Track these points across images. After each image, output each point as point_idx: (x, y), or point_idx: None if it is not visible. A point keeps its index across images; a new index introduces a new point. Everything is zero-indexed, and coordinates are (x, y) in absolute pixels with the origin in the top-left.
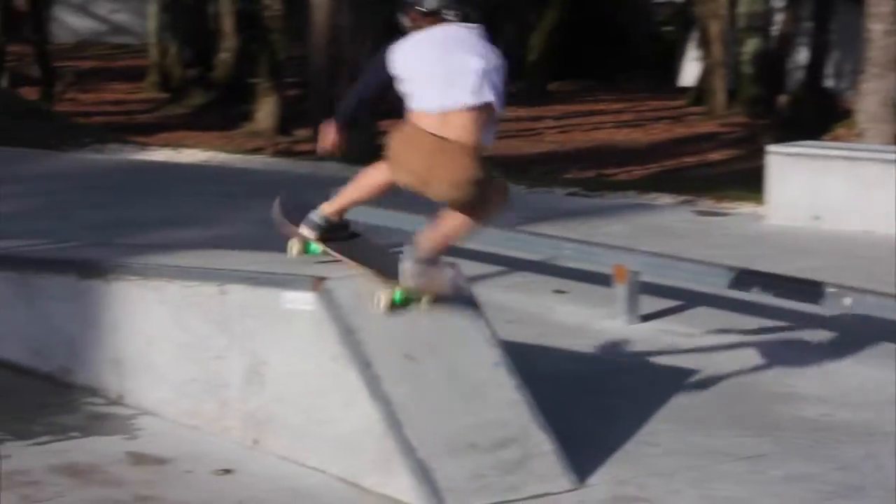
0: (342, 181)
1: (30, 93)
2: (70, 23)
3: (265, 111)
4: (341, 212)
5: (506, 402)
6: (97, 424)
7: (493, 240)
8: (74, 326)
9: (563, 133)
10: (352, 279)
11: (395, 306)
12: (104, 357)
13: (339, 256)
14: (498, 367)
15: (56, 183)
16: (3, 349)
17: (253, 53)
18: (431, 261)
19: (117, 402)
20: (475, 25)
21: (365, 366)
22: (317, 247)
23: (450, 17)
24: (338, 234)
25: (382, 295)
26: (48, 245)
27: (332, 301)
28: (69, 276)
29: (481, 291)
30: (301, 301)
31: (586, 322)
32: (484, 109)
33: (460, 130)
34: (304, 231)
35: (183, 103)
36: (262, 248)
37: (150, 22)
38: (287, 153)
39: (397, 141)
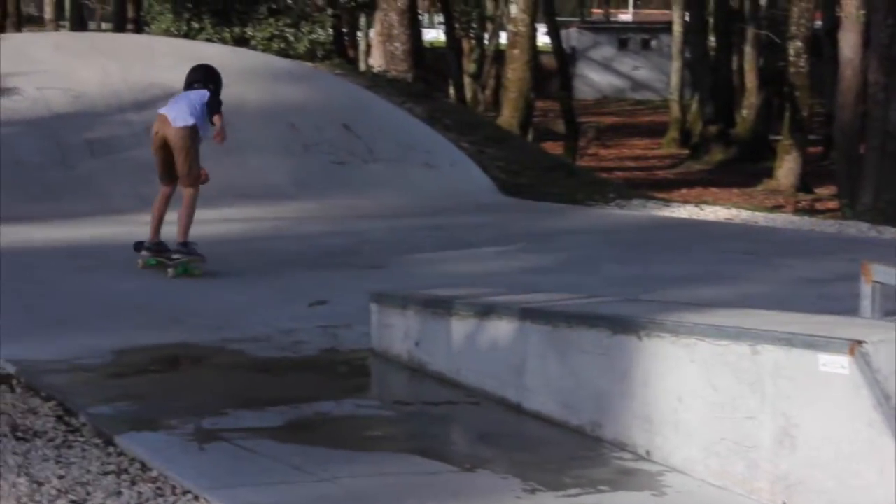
0: (867, 242)
1: (552, 147)
2: (593, 80)
3: (786, 168)
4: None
5: None
6: (625, 479)
7: None
8: (604, 381)
9: None
10: (890, 343)
11: (178, 275)
12: (633, 413)
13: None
14: None
15: (581, 237)
16: (535, 401)
17: (775, 110)
18: (184, 244)
19: (645, 458)
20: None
21: None
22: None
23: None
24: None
25: (170, 270)
26: (578, 299)
27: (869, 365)
28: (601, 330)
29: None
30: (836, 364)
31: None
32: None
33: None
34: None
35: (702, 160)
36: (790, 307)
37: (672, 78)
38: (808, 211)
39: None
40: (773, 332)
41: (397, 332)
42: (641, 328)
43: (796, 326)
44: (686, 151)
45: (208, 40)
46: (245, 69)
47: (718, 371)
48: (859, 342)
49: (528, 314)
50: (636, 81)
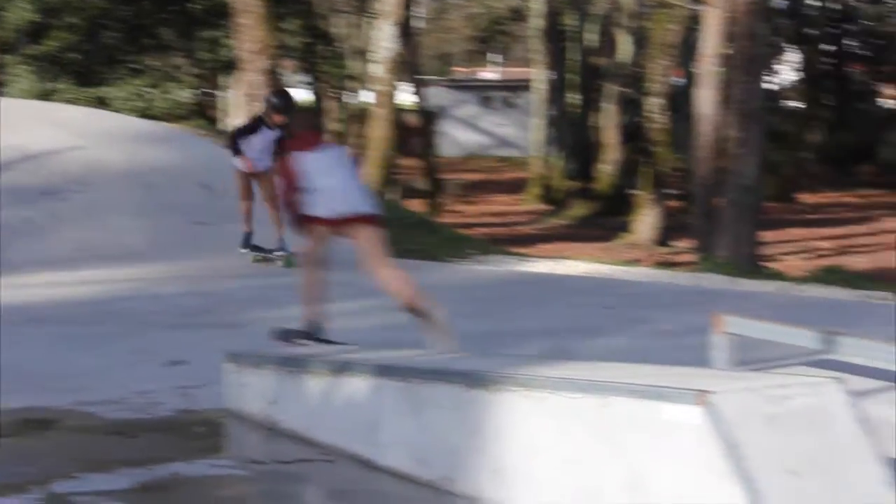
0: (722, 294)
1: (417, 204)
2: (457, 137)
3: (645, 222)
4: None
5: None
6: None
7: (879, 354)
8: (458, 436)
9: None
10: (736, 393)
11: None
12: (485, 466)
13: None
14: (886, 485)
15: (440, 293)
16: (390, 457)
17: (635, 165)
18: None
19: None
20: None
21: (748, 481)
22: None
23: None
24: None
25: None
26: (433, 355)
27: (717, 415)
28: (456, 385)
29: (866, 407)
30: (685, 415)
31: None
32: None
33: None
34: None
35: (563, 215)
36: (646, 360)
37: (534, 135)
38: (667, 264)
39: None
40: (623, 384)
41: (253, 391)
42: (493, 382)
43: (647, 378)
44: (548, 207)
45: (70, 101)
46: (104, 130)
47: (570, 423)
48: (707, 393)
49: (382, 371)
50: (499, 138)
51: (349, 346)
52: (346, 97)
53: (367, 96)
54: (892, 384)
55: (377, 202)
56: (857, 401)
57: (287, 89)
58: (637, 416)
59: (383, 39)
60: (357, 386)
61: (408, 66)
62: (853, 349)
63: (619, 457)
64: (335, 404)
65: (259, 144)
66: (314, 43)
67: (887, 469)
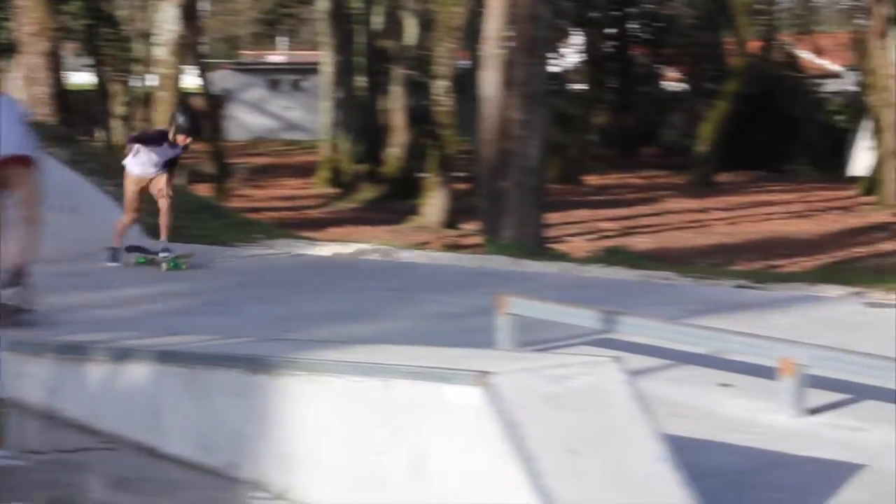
0: (507, 275)
1: (204, 189)
2: (246, 120)
3: (433, 205)
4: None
5: (669, 498)
6: None
7: (658, 333)
8: (242, 421)
9: (731, 224)
10: (516, 374)
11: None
12: (270, 452)
13: None
14: (662, 462)
15: (226, 278)
16: (173, 445)
17: (422, 148)
18: None
19: (281, 496)
20: None
21: (527, 461)
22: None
23: None
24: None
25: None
26: (218, 341)
27: (496, 395)
28: (238, 371)
29: (645, 385)
30: (464, 395)
31: (751, 416)
32: None
33: None
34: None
35: (353, 198)
36: (431, 342)
37: (322, 118)
38: (454, 247)
39: None
40: (404, 366)
41: (32, 379)
42: (277, 367)
43: (429, 360)
44: (337, 190)
45: None
46: None
47: (353, 407)
48: (487, 373)
49: (165, 357)
50: (288, 122)
51: (136, 333)
52: (131, 81)
53: (152, 80)
54: (670, 362)
55: (39, 149)
56: (635, 379)
57: (196, 112)
58: (419, 398)
59: (167, 22)
60: (139, 373)
61: (193, 49)
62: (633, 328)
63: (402, 439)
64: (117, 392)
65: (157, 157)
66: (97, 25)
67: (661, 444)
